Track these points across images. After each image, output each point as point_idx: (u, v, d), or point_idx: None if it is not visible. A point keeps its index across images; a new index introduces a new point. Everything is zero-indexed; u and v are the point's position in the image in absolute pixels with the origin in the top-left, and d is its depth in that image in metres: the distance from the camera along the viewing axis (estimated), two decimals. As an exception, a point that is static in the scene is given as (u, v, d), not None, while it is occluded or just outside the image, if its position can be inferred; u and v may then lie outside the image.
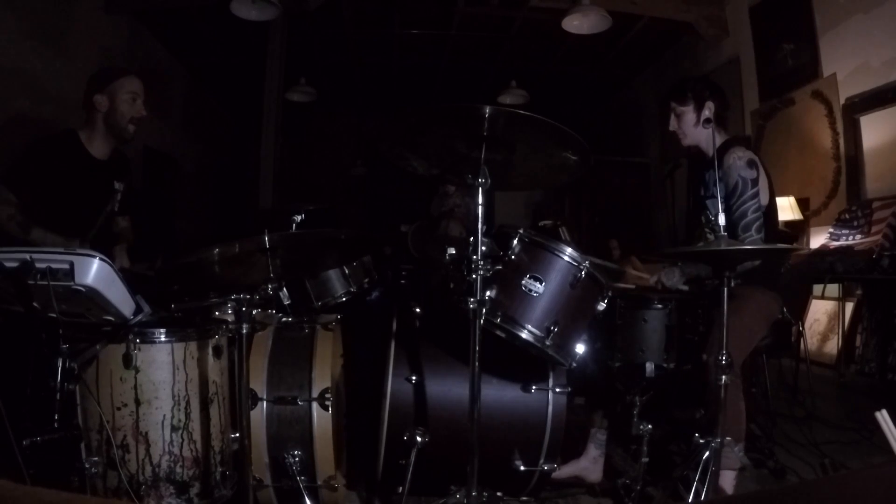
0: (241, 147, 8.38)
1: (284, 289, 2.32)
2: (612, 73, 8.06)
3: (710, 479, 1.95)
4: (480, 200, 1.76)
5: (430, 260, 3.71)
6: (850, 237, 3.84)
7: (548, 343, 1.92)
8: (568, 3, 5.12)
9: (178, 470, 1.76)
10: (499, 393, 2.13)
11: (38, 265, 1.52)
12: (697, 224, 2.64)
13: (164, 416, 1.75)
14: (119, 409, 1.72)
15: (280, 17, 5.06)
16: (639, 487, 2.15)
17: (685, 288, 2.40)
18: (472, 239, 1.75)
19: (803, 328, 3.97)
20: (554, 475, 2.28)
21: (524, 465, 2.10)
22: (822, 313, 4.48)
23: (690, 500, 1.99)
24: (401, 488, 1.99)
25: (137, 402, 1.73)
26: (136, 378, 1.73)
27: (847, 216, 4.01)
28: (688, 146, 2.54)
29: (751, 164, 2.37)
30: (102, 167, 2.58)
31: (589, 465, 2.49)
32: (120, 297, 1.64)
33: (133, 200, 2.79)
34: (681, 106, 2.49)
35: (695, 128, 2.48)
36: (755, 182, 2.34)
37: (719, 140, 2.47)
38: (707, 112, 2.43)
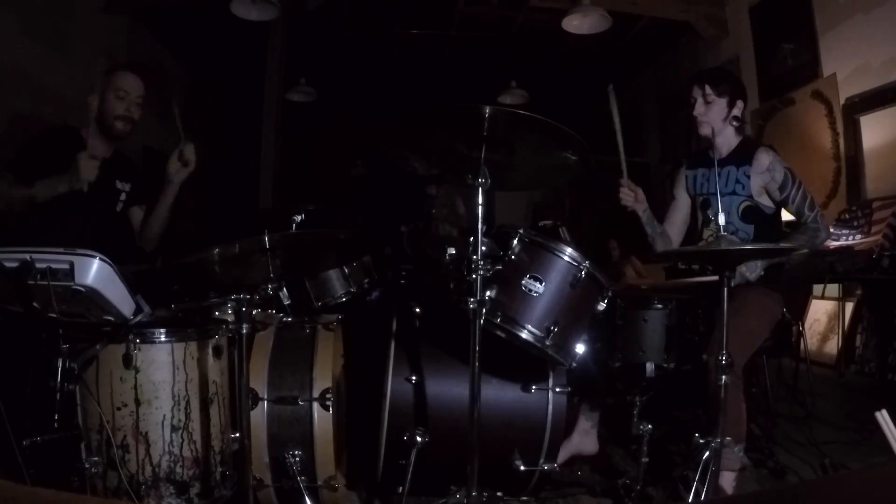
0: (241, 147, 8.38)
1: (284, 289, 2.32)
2: (612, 73, 8.06)
3: (710, 480, 1.95)
4: (480, 200, 1.76)
5: (426, 259, 3.72)
6: (850, 237, 3.84)
7: (548, 343, 1.92)
8: (568, 3, 5.12)
9: (178, 470, 1.76)
10: (499, 393, 2.13)
11: (38, 265, 1.52)
12: (696, 220, 2.65)
13: (164, 416, 1.75)
14: (119, 409, 1.72)
15: (280, 17, 5.06)
16: (639, 487, 2.15)
17: None
18: (471, 239, 1.75)
19: (803, 328, 3.97)
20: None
21: (524, 465, 2.10)
22: (822, 313, 4.48)
23: (690, 500, 1.99)
24: (401, 488, 1.98)
25: (137, 402, 1.73)
26: (136, 378, 1.73)
27: (847, 216, 4.01)
28: (704, 135, 2.53)
29: (781, 158, 2.44)
30: (103, 164, 2.57)
31: (582, 438, 2.49)
32: (120, 297, 1.64)
33: (147, 193, 2.75)
34: (716, 95, 2.46)
35: (722, 122, 2.46)
36: (793, 171, 2.42)
37: (735, 139, 2.49)
38: (737, 110, 2.45)
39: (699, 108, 2.49)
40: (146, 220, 2.65)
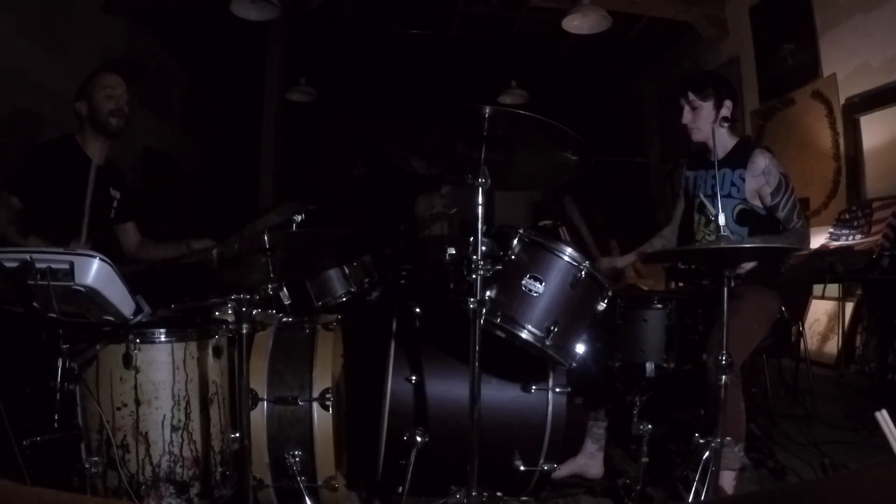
0: (241, 147, 8.38)
1: (284, 289, 2.33)
2: (612, 73, 8.06)
3: (710, 479, 1.95)
4: (480, 200, 1.76)
5: (425, 259, 3.72)
6: (850, 237, 3.84)
7: (548, 343, 1.92)
8: (568, 3, 5.12)
9: (178, 470, 1.76)
10: (499, 393, 2.13)
11: (38, 265, 1.52)
12: (690, 221, 2.65)
13: (164, 416, 1.75)
14: (119, 409, 1.72)
15: (280, 17, 5.06)
16: (639, 487, 2.15)
17: None
18: (472, 239, 1.75)
19: (803, 328, 3.96)
20: (553, 476, 2.28)
21: (524, 465, 2.10)
22: (822, 313, 4.48)
23: (690, 500, 1.99)
24: (401, 488, 1.99)
25: (137, 402, 1.73)
26: (136, 378, 1.73)
27: (847, 216, 4.01)
28: (697, 142, 2.52)
29: (777, 162, 2.43)
30: (99, 171, 2.59)
31: (587, 460, 2.49)
32: (120, 297, 1.64)
33: (134, 207, 2.79)
34: (700, 100, 2.43)
35: (712, 125, 2.43)
36: (788, 177, 2.42)
37: (730, 140, 2.48)
38: (725, 111, 2.42)
39: (687, 116, 2.48)
40: (147, 246, 2.73)
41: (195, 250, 2.52)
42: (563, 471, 2.42)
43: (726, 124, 2.39)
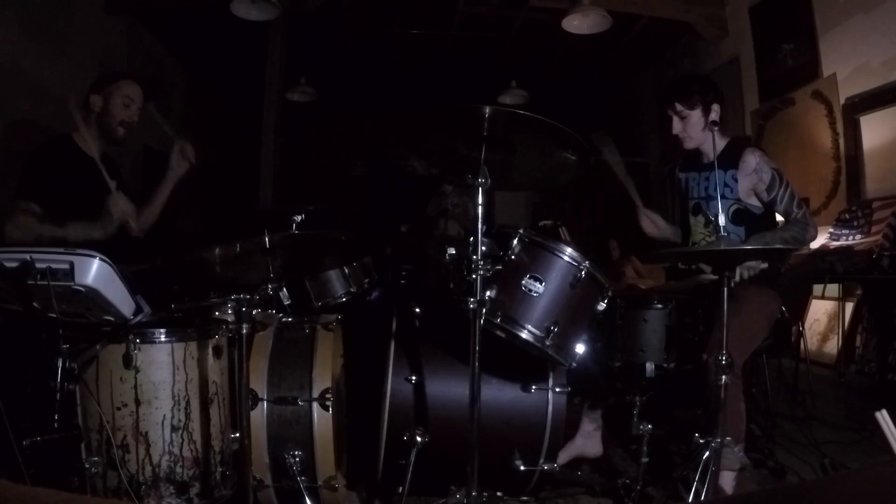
0: (241, 147, 8.38)
1: (284, 289, 2.33)
2: (612, 73, 8.06)
3: (710, 479, 1.95)
4: (480, 200, 1.76)
5: (427, 259, 3.72)
6: (850, 237, 3.84)
7: (547, 343, 1.92)
8: (568, 3, 5.12)
9: (178, 470, 1.76)
10: (499, 393, 2.13)
11: (38, 265, 1.52)
12: (687, 223, 2.65)
13: (164, 416, 1.75)
14: (119, 409, 1.72)
15: (280, 17, 5.06)
16: (639, 487, 2.15)
17: None
18: (472, 239, 1.75)
19: (803, 328, 3.97)
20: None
21: (524, 465, 2.10)
22: (822, 313, 4.48)
23: (690, 500, 1.99)
24: (401, 488, 1.98)
25: (137, 402, 1.73)
26: (136, 378, 1.73)
27: (847, 216, 4.01)
28: (690, 149, 2.53)
29: (769, 159, 2.43)
30: (97, 166, 2.60)
31: (585, 440, 2.50)
32: (120, 297, 1.64)
33: (129, 194, 2.80)
34: (688, 109, 2.44)
35: (702, 131, 2.44)
36: (780, 171, 2.42)
37: (721, 141, 2.48)
38: (714, 115, 2.41)
39: (676, 126, 2.48)
40: (140, 210, 2.71)
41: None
42: (562, 456, 2.41)
43: (716, 128, 2.38)
